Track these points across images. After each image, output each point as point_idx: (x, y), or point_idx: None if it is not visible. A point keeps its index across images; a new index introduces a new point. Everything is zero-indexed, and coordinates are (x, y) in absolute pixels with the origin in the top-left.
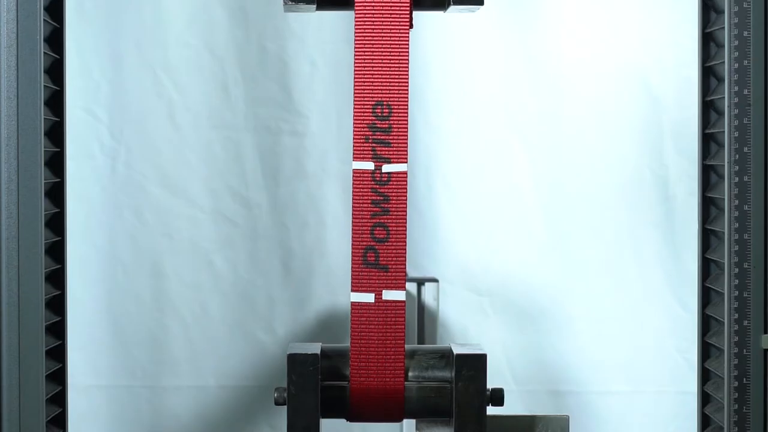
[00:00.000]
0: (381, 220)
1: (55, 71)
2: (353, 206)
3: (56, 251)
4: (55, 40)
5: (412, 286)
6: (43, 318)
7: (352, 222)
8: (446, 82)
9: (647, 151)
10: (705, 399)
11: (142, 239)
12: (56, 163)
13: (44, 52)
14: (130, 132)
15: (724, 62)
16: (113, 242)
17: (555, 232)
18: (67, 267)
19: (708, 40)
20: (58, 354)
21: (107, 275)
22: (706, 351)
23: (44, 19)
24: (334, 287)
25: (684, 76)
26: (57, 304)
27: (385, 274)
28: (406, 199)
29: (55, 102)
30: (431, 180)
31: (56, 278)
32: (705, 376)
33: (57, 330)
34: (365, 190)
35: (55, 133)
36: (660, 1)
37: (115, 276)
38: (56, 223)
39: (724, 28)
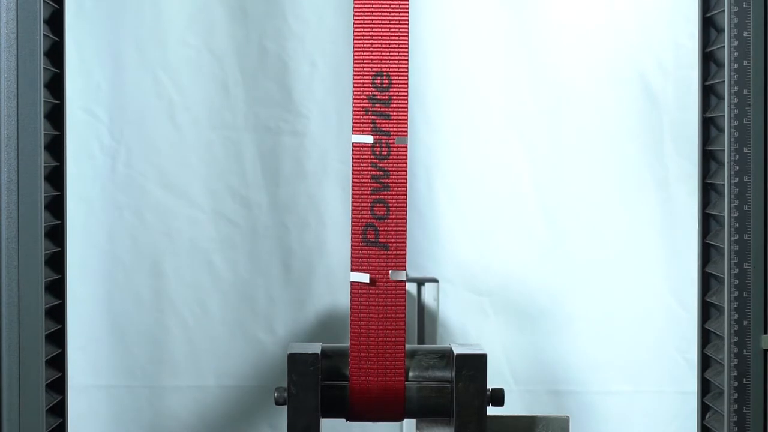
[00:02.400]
0: (381, 196)
1: (55, 71)
2: (352, 181)
3: (57, 249)
4: (55, 40)
5: (412, 286)
6: (43, 317)
7: (352, 198)
8: (446, 82)
9: (647, 151)
10: (705, 399)
11: (142, 239)
12: (56, 163)
13: (44, 52)
14: (130, 132)
15: (724, 63)
16: (113, 242)
17: (555, 232)
18: (67, 267)
19: (708, 44)
20: (58, 354)
21: (107, 275)
22: (705, 351)
23: (44, 19)
24: (334, 287)
25: (684, 76)
26: (57, 306)
27: (385, 252)
28: (406, 174)
29: (55, 102)
30: (431, 180)
31: (56, 271)
32: (705, 376)
33: (57, 329)
34: (365, 164)
35: (55, 132)
36: (660, 2)
37: (115, 276)
38: (56, 225)
39: (724, 29)
